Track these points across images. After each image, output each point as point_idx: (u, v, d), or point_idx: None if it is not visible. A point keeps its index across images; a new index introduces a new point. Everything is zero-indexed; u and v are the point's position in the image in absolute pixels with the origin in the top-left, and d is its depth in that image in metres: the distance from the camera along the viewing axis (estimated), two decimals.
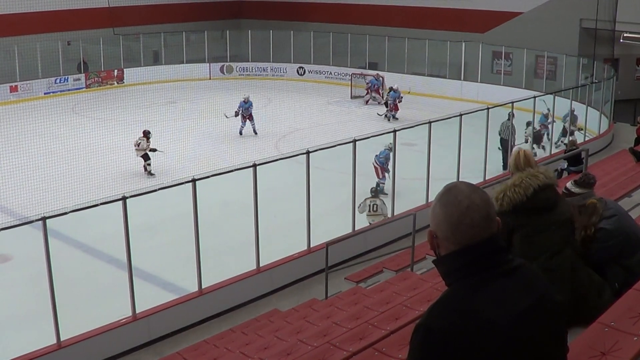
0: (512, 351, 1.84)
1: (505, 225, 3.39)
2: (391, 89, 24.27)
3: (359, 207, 12.56)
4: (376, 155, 15.57)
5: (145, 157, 17.83)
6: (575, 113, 20.01)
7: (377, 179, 15.42)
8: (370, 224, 12.37)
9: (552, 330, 1.96)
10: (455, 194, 1.93)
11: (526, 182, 3.43)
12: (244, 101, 21.63)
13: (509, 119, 17.78)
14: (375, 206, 12.66)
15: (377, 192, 14.33)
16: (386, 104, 24.53)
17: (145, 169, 17.78)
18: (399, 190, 13.46)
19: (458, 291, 1.92)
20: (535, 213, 3.45)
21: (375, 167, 15.60)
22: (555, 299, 2.01)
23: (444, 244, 1.95)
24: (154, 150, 17.73)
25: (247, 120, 21.69)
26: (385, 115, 24.04)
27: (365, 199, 12.87)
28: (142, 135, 17.89)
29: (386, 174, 15.14)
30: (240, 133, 21.64)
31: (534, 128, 19.03)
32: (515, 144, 17.20)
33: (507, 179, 3.58)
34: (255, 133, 21.72)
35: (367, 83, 27.49)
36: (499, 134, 17.84)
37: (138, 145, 17.81)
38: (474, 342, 1.81)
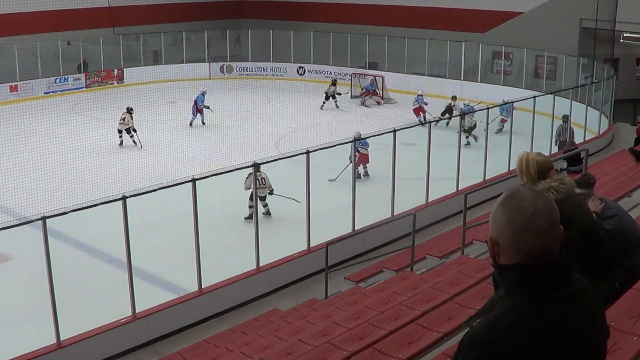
0: None
1: None
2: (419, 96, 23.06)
3: (245, 183, 12.81)
4: (361, 145, 15.60)
5: (128, 131, 19.63)
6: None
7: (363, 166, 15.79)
8: (258, 197, 12.29)
9: (602, 357, 1.95)
10: (518, 199, 1.84)
11: None
12: (202, 93, 22.54)
13: (564, 122, 17.49)
14: (263, 180, 12.88)
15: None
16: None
17: (130, 142, 19.55)
18: (399, 190, 13.44)
19: (524, 308, 1.81)
20: None
21: (363, 154, 15.81)
22: (608, 328, 1.99)
23: (506, 252, 1.87)
24: (134, 130, 19.65)
25: (199, 113, 22.46)
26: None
27: (249, 175, 12.66)
28: (125, 111, 19.69)
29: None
30: (191, 124, 22.40)
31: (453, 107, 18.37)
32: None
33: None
34: (204, 123, 22.64)
35: (362, 89, 27.60)
36: (556, 143, 17.27)
37: (123, 120, 19.69)
38: None
